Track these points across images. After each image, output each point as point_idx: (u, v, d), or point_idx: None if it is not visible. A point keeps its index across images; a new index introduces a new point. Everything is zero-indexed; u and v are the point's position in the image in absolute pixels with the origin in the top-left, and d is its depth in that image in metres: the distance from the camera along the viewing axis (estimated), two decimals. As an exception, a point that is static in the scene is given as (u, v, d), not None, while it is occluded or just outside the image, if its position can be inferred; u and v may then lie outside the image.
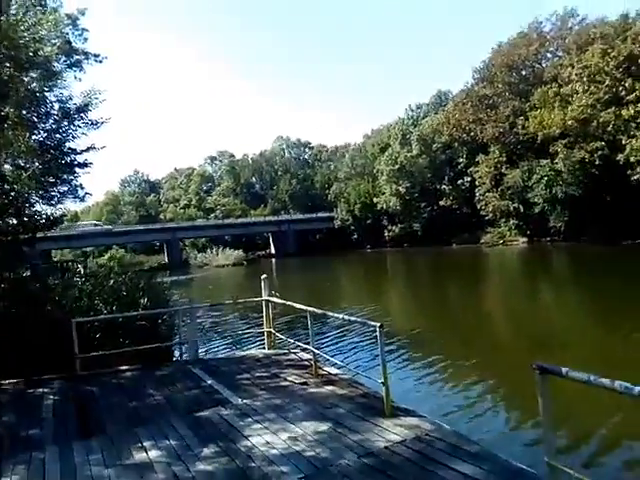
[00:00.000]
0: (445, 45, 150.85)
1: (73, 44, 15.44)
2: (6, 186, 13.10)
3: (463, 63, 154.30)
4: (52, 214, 15.24)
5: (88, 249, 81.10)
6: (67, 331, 8.57)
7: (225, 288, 35.82)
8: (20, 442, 5.63)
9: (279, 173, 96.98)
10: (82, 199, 16.63)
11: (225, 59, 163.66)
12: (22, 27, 11.12)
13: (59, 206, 15.94)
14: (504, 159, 53.91)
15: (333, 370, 7.41)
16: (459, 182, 61.75)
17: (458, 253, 52.49)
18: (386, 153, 70.42)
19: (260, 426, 5.43)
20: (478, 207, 57.03)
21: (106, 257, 75.67)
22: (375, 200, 71.47)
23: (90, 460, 4.94)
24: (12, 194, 13.10)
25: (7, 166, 13.68)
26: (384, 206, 69.80)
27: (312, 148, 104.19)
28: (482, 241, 56.56)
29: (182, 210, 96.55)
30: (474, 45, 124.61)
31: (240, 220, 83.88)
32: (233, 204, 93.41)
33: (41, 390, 7.76)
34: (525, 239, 53.07)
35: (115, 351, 9.07)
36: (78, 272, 21.58)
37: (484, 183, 55.83)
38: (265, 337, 9.62)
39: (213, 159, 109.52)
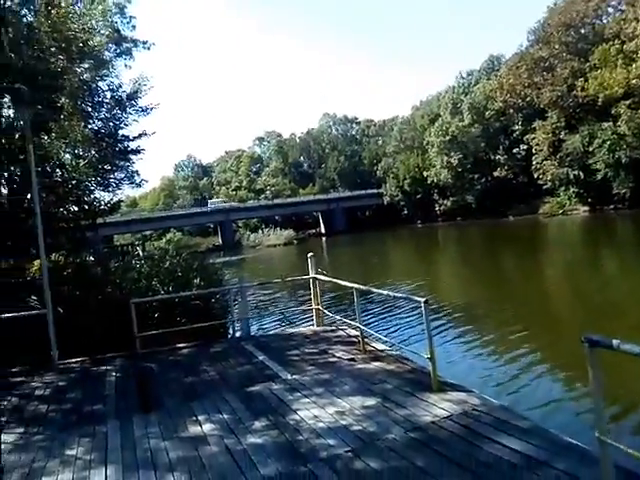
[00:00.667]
0: (497, 8, 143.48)
1: (122, 32, 15.85)
2: (66, 174, 13.78)
3: (515, 27, 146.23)
4: (110, 200, 15.96)
5: (147, 232, 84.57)
6: (127, 312, 9.01)
7: (276, 267, 36.47)
8: (85, 417, 6.00)
9: (327, 151, 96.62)
10: (139, 185, 17.29)
11: (273, 37, 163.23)
12: (72, 19, 11.49)
13: (117, 192, 16.65)
14: (562, 124, 51.21)
15: (380, 346, 7.39)
16: (514, 151, 59.33)
17: (514, 225, 50.69)
18: (436, 124, 68.54)
19: (308, 400, 5.53)
20: (535, 176, 54.70)
21: (164, 240, 78.66)
22: (425, 174, 69.99)
23: (149, 433, 5.20)
24: (72, 182, 13.77)
25: (66, 155, 14.32)
26: (435, 179, 68.26)
27: (359, 123, 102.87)
28: (540, 212, 54.34)
29: (234, 192, 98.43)
30: (528, 6, 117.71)
31: (289, 200, 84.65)
32: (282, 184, 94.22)
33: (104, 368, 8.22)
34: (587, 208, 50.50)
35: (172, 329, 9.47)
36: (137, 255, 22.52)
37: (541, 150, 53.35)
38: (314, 314, 9.72)
39: (261, 140, 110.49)
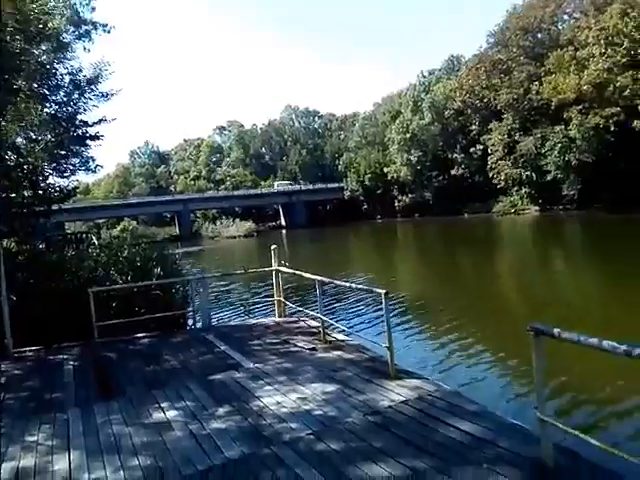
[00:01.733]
0: (458, 11, 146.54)
1: (81, 15, 15.35)
2: (20, 159, 13.30)
3: (476, 27, 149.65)
4: (66, 186, 15.50)
5: (100, 221, 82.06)
6: (84, 301, 8.87)
7: (235, 259, 36.30)
8: (44, 404, 5.96)
9: (288, 143, 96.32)
10: (94, 171, 16.78)
11: (232, 23, 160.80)
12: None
13: (72, 178, 16.16)
14: (517, 126, 53.03)
15: (341, 336, 7.65)
16: (471, 150, 60.95)
17: (469, 222, 52.36)
18: (397, 121, 69.54)
19: (271, 388, 5.70)
20: (490, 176, 56.44)
21: (118, 229, 76.53)
22: (386, 170, 70.98)
23: (111, 420, 5.24)
24: (26, 167, 13.31)
25: (20, 139, 13.82)
26: (395, 176, 69.35)
27: (321, 117, 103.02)
28: (494, 210, 56.23)
29: (192, 182, 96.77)
30: (488, 9, 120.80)
31: (250, 191, 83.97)
32: (243, 175, 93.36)
33: (61, 357, 8.12)
34: (537, 208, 52.66)
35: (131, 319, 9.39)
36: (92, 244, 21.94)
37: (497, 151, 55.07)
38: (275, 305, 9.88)
39: (222, 129, 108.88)
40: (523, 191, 54.09)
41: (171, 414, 5.27)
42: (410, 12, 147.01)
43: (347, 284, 7.25)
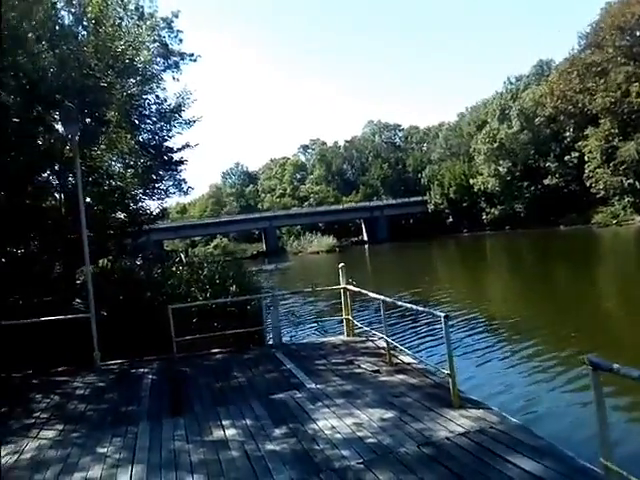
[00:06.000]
0: (544, 12, 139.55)
1: (169, 46, 16.49)
2: (114, 184, 14.49)
3: (565, 29, 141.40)
4: (157, 208, 16.64)
5: (196, 238, 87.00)
6: (166, 316, 9.38)
7: (314, 274, 36.66)
8: (120, 417, 6.33)
9: (370, 158, 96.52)
10: (186, 192, 17.71)
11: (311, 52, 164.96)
12: (119, 36, 12.11)
13: (165, 200, 17.27)
14: (616, 131, 49.09)
15: (407, 359, 7.40)
16: (566, 158, 57.35)
17: (566, 235, 48.88)
18: (483, 131, 67.27)
19: (328, 410, 5.62)
20: (587, 184, 52.63)
21: (212, 245, 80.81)
22: (472, 181, 68.71)
23: (175, 436, 5.44)
24: (119, 191, 14.45)
25: (115, 166, 15.03)
26: (482, 187, 66.90)
27: (402, 130, 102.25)
28: (593, 221, 52.16)
29: (278, 199, 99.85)
30: (578, 9, 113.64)
31: (332, 207, 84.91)
32: (326, 191, 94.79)
33: (142, 370, 8.60)
34: (643, 218, 48.12)
35: (207, 335, 9.78)
36: (179, 261, 23.22)
37: (594, 158, 51.35)
38: (344, 324, 9.81)
39: (305, 148, 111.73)
40: (626, 200, 49.74)
41: (230, 432, 5.36)
42: (491, 19, 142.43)
43: (408, 305, 7.02)
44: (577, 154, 54.93)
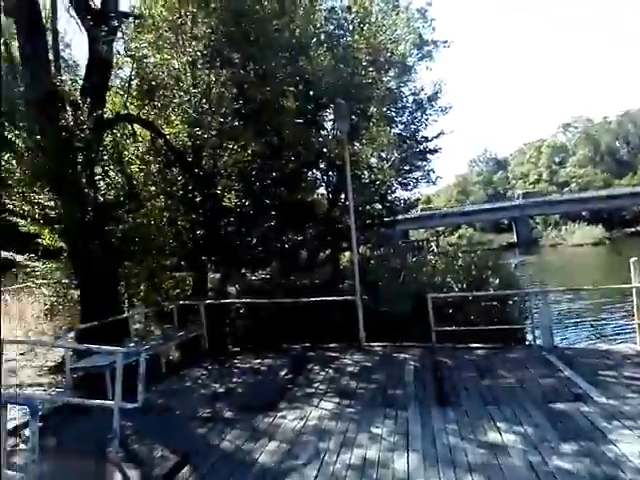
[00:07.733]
0: None
1: (423, 36, 16.50)
2: (372, 176, 15.28)
3: None
4: (409, 198, 17.03)
5: (440, 229, 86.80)
6: (422, 304, 9.37)
7: (581, 271, 32.31)
8: (388, 398, 6.49)
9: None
10: (434, 182, 17.82)
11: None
12: (381, 32, 12.57)
13: (414, 190, 17.59)
14: None
15: None
16: None
17: None
18: None
19: (630, 433, 4.68)
20: None
21: (456, 236, 79.48)
22: None
23: (447, 429, 5.26)
24: (377, 183, 15.18)
25: (373, 159, 15.83)
26: None
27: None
28: None
29: (531, 185, 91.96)
30: None
31: (599, 193, 73.59)
32: (593, 174, 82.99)
33: (403, 355, 8.75)
34: None
35: (466, 328, 9.42)
36: (431, 250, 23.36)
37: None
38: (637, 330, 8.19)
39: (566, 126, 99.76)
40: None
41: (508, 437, 4.94)
42: None
43: None
44: None
